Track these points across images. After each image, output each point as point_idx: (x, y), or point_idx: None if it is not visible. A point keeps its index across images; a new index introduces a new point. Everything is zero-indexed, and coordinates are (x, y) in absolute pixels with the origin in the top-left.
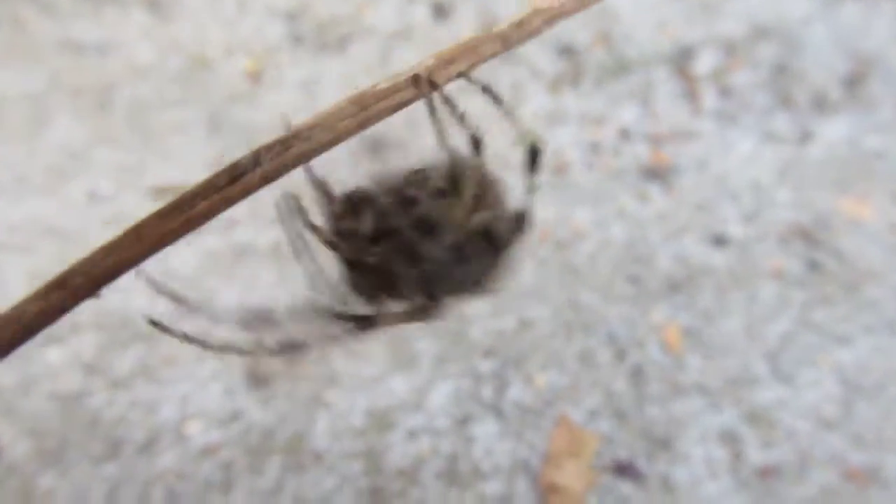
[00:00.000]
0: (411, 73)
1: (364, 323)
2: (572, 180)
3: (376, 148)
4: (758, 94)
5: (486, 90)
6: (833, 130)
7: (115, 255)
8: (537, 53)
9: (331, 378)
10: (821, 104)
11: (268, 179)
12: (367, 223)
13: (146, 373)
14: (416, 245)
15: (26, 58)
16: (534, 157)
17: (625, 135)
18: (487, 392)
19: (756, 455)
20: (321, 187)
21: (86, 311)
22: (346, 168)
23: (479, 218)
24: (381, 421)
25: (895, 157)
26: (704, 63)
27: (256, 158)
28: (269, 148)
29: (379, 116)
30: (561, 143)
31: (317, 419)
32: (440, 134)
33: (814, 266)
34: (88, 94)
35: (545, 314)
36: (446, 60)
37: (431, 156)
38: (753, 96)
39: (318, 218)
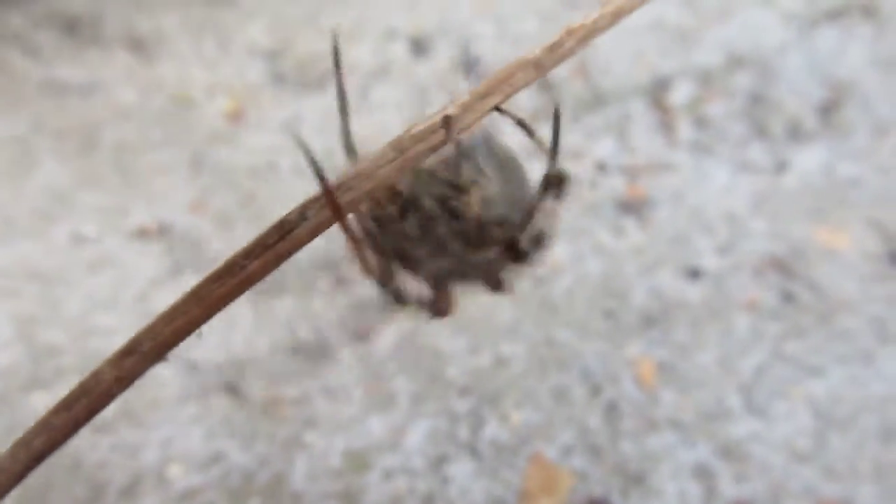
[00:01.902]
0: (443, 114)
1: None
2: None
3: None
4: (733, 124)
5: (521, 123)
6: (808, 159)
7: (176, 321)
8: None
9: (309, 419)
10: (796, 133)
11: (315, 232)
12: (412, 226)
13: (129, 416)
14: (439, 232)
15: (9, 100)
16: (559, 183)
17: (601, 168)
18: (463, 431)
19: (729, 489)
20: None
21: (69, 355)
22: None
23: (508, 230)
24: (359, 461)
25: (870, 185)
26: (680, 94)
27: (303, 213)
28: (314, 201)
29: (417, 159)
30: (536, 176)
31: (295, 461)
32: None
33: (788, 297)
34: (72, 136)
35: (520, 351)
36: (480, 95)
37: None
38: (729, 126)
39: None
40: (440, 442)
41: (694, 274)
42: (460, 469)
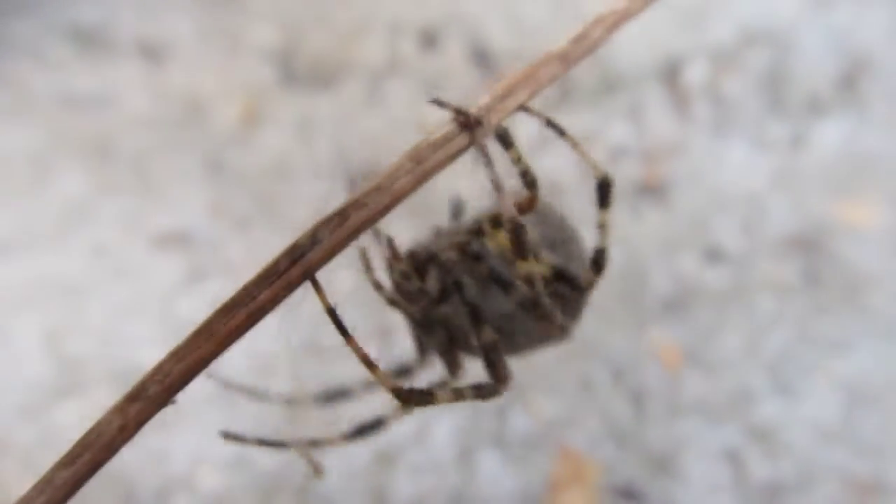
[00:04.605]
0: (462, 116)
1: (421, 397)
2: (567, 202)
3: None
4: (749, 101)
5: (551, 123)
6: (827, 133)
7: (186, 359)
8: None
9: (334, 419)
10: (814, 107)
11: (329, 255)
12: (432, 283)
13: (156, 422)
14: (484, 300)
15: (25, 113)
16: (604, 191)
17: (617, 152)
18: (490, 424)
19: (759, 471)
20: (386, 245)
21: (96, 365)
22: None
23: (549, 265)
24: (386, 459)
25: (890, 157)
26: (694, 73)
27: (314, 236)
28: (326, 222)
29: (436, 169)
30: (553, 165)
31: (323, 461)
32: (495, 183)
33: (810, 275)
34: (89, 146)
35: None
36: (502, 94)
37: (488, 200)
38: (745, 104)
39: (383, 273)
40: (467, 436)
41: (715, 255)
42: (488, 462)
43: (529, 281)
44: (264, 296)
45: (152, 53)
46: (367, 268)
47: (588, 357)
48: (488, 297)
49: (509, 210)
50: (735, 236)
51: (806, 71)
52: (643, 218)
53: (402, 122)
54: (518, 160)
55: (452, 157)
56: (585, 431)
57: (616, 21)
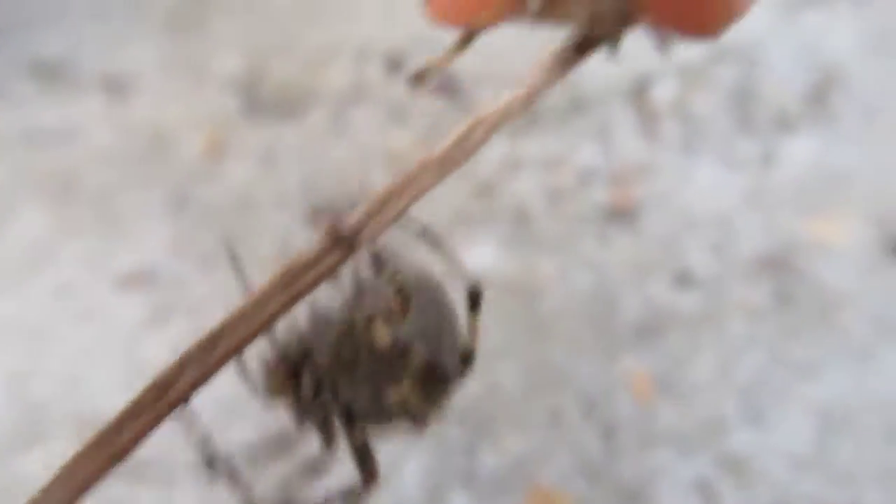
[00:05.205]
0: (334, 233)
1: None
2: (535, 228)
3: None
4: (718, 119)
5: (425, 234)
6: (797, 149)
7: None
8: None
9: (301, 461)
10: (783, 123)
11: (197, 385)
12: (306, 384)
13: (119, 472)
14: (356, 400)
15: None
16: (474, 299)
17: (585, 176)
18: (459, 462)
19: (732, 502)
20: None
21: (60, 410)
22: (305, 234)
23: (420, 364)
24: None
25: (862, 172)
26: (662, 92)
27: (182, 367)
28: (194, 353)
29: (310, 288)
30: (521, 190)
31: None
32: (368, 298)
33: (783, 296)
34: (51, 184)
35: (513, 374)
36: (379, 205)
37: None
38: (714, 122)
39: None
40: (435, 476)
41: (685, 279)
42: (457, 501)
43: (401, 401)
44: (130, 434)
45: (116, 86)
46: (243, 371)
47: (558, 388)
48: (360, 397)
49: (380, 329)
50: (706, 259)
51: (775, 86)
52: (612, 243)
53: (369, 149)
54: (391, 278)
55: (326, 275)
56: (556, 467)
57: (497, 121)
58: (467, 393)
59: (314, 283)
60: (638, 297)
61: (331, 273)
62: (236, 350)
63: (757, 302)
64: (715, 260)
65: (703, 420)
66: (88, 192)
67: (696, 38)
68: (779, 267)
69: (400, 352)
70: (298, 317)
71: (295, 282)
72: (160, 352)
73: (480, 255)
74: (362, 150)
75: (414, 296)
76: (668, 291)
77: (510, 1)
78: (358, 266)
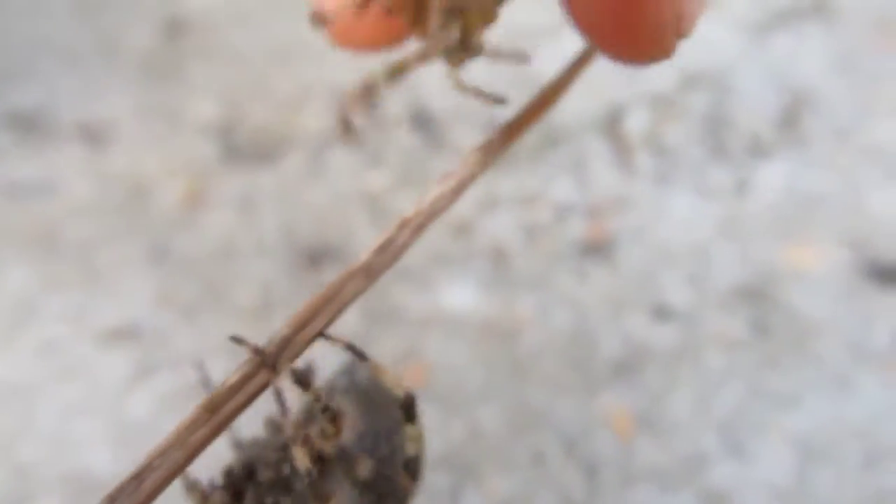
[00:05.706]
0: (257, 356)
1: None
2: (513, 267)
3: (314, 259)
4: (691, 148)
5: (352, 349)
6: (770, 176)
7: None
8: (467, 135)
9: None
10: (756, 149)
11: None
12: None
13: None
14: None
15: None
16: (408, 408)
17: (561, 211)
18: None
19: None
20: (196, 486)
21: (49, 470)
22: (286, 281)
23: (364, 475)
24: None
25: (834, 196)
26: (635, 122)
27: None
28: (121, 490)
29: (235, 414)
30: (498, 228)
31: None
32: (295, 423)
33: (759, 327)
34: (31, 239)
35: (494, 416)
36: (304, 321)
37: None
38: (687, 151)
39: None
40: None
41: (663, 313)
42: None
43: None
44: None
45: (93, 135)
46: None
47: (539, 428)
48: None
49: (306, 457)
50: (682, 291)
51: (747, 111)
52: (589, 278)
53: (347, 192)
54: (317, 399)
55: (252, 397)
56: None
57: (422, 223)
58: (450, 437)
59: (240, 408)
60: (616, 333)
61: (257, 395)
62: (165, 483)
63: (734, 333)
64: (691, 292)
65: (683, 455)
66: (69, 246)
67: (635, 61)
68: (755, 297)
69: (345, 464)
70: (234, 441)
71: (220, 408)
72: (146, 408)
73: (460, 296)
74: (340, 193)
75: (351, 408)
76: (645, 326)
77: (404, 23)
78: (281, 388)
